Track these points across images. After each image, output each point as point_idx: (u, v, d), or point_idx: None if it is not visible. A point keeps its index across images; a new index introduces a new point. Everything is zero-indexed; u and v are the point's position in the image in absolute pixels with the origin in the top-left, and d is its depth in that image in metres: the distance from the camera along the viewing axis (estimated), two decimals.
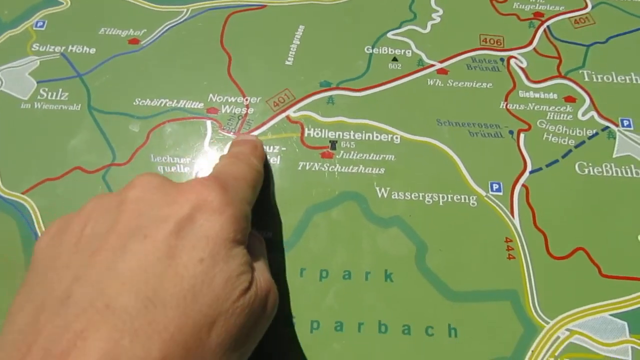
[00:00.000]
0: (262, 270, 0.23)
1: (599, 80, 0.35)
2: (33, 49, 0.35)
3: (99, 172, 0.32)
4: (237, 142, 0.30)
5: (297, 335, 0.28)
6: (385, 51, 0.36)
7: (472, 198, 0.31)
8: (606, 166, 0.32)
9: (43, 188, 0.31)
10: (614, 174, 0.32)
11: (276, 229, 0.30)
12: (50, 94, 0.34)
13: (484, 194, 0.31)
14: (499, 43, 0.36)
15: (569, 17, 0.37)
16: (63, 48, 0.36)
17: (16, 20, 0.37)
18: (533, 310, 0.28)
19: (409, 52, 0.36)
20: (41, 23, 0.36)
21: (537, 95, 0.34)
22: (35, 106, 0.33)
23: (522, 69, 0.35)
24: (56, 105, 0.34)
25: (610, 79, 0.35)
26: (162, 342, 0.18)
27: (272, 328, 0.28)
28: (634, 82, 0.35)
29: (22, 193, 0.31)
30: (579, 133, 0.33)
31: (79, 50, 0.35)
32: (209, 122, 0.33)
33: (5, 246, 0.30)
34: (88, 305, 0.18)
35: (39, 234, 0.30)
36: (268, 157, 0.32)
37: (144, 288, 0.18)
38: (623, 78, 0.35)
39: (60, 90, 0.34)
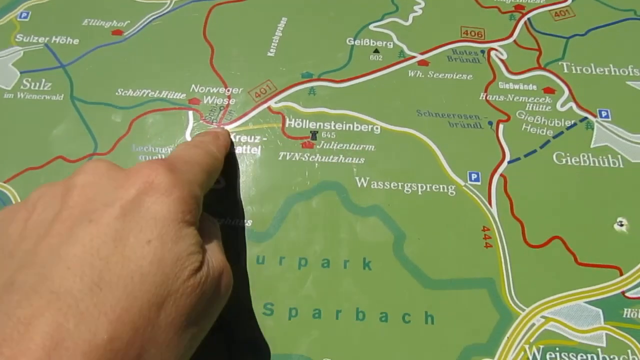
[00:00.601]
0: (214, 252, 0.23)
1: (578, 71, 0.35)
2: (17, 40, 0.36)
3: (80, 162, 0.32)
4: (201, 132, 0.31)
5: (275, 322, 0.28)
6: (366, 43, 0.36)
7: (451, 188, 0.32)
8: (584, 156, 0.33)
9: (25, 177, 0.31)
10: (592, 164, 0.32)
11: (256, 218, 0.31)
12: (33, 84, 0.34)
13: (462, 183, 0.32)
14: (479, 35, 0.37)
15: (550, 10, 0.37)
16: (47, 39, 0.36)
17: (0, 12, 0.37)
18: (509, 298, 0.29)
19: (390, 44, 0.36)
20: (25, 14, 0.37)
21: (516, 87, 0.35)
22: (19, 96, 0.34)
23: (502, 60, 0.36)
24: (39, 95, 0.34)
25: (589, 71, 0.35)
26: (109, 323, 0.18)
27: (250, 315, 0.28)
28: (613, 73, 0.35)
29: (4, 182, 0.31)
30: (558, 124, 0.33)
31: (62, 41, 0.36)
32: (190, 113, 0.33)
33: None
34: (31, 291, 0.18)
35: None
36: (249, 148, 0.32)
37: (89, 272, 0.18)
38: (602, 70, 0.35)
39: (44, 80, 0.34)
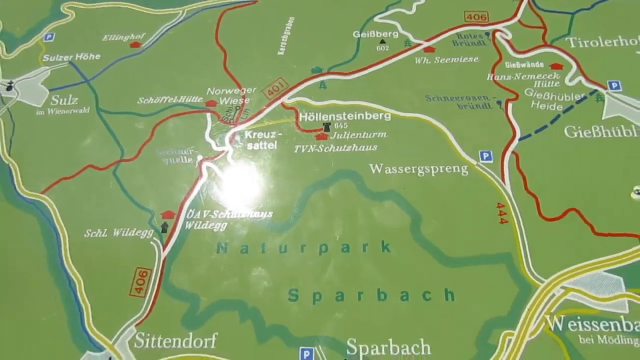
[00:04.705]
0: None
1: (586, 45, 0.35)
2: (44, 60, 0.38)
3: (109, 169, 0.34)
4: None
5: (301, 307, 0.29)
6: (372, 35, 0.37)
7: (464, 168, 0.32)
8: (595, 128, 0.33)
9: (59, 187, 0.33)
10: (604, 135, 0.33)
11: (276, 210, 0.32)
12: (61, 100, 0.36)
13: (474, 163, 0.32)
14: (483, 18, 0.37)
15: None
16: (71, 57, 0.38)
17: (27, 35, 0.39)
18: (527, 271, 0.29)
19: (395, 34, 0.37)
20: (50, 35, 0.39)
21: (523, 65, 0.35)
22: (49, 112, 0.36)
23: (507, 41, 0.36)
24: (67, 110, 0.36)
25: (597, 44, 0.35)
26: None
27: (277, 301, 0.29)
28: (622, 45, 0.35)
29: (41, 192, 0.33)
30: (567, 98, 0.34)
31: (85, 57, 0.38)
32: (208, 115, 0.35)
33: (28, 242, 0.32)
34: None
35: (59, 230, 0.32)
36: (266, 143, 0.34)
37: None
38: (610, 42, 0.35)
39: (71, 95, 0.36)
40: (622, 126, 0.33)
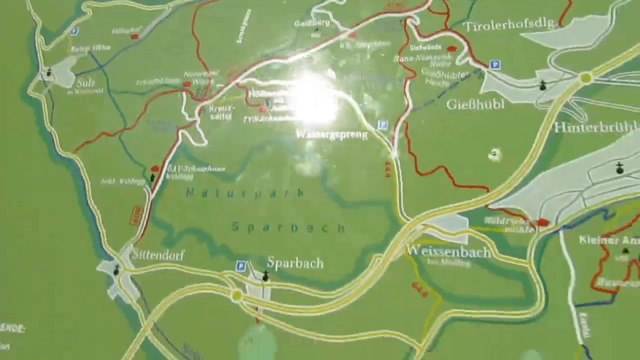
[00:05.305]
0: None
1: (479, 29, 0.43)
2: (71, 51, 0.51)
3: (116, 135, 0.47)
4: None
5: (239, 234, 0.42)
6: (309, 24, 0.46)
7: (364, 134, 0.43)
8: (472, 102, 0.41)
9: (84, 149, 0.48)
10: (478, 107, 0.41)
11: (228, 164, 0.44)
12: (83, 82, 0.50)
13: (373, 130, 0.42)
14: (399, 6, 0.45)
15: None
16: (89, 47, 0.51)
17: (59, 30, 0.52)
18: (399, 212, 0.40)
19: (327, 22, 0.46)
20: (74, 30, 0.52)
21: (424, 48, 0.44)
22: (75, 92, 0.49)
23: (415, 26, 0.44)
24: (88, 90, 0.49)
25: (489, 27, 0.43)
26: None
27: (224, 230, 0.42)
28: (509, 27, 0.43)
29: (72, 152, 0.48)
30: (454, 76, 0.42)
31: (99, 48, 0.50)
32: (184, 93, 0.47)
33: (64, 191, 0.47)
34: None
35: (84, 179, 0.46)
36: (223, 115, 0.46)
37: None
38: (500, 25, 0.43)
39: (90, 79, 0.50)
40: (494, 99, 0.41)
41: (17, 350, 0.44)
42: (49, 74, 0.51)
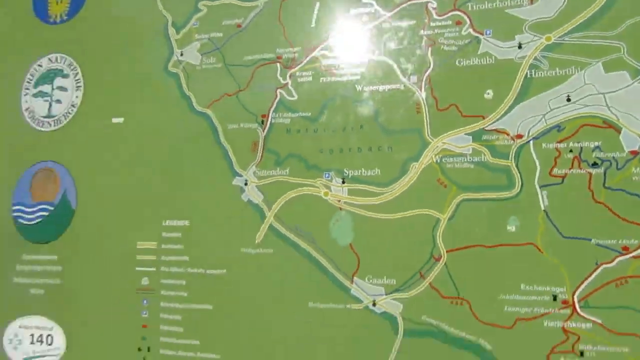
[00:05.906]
0: None
1: (477, 8, 0.63)
2: (195, 38, 0.74)
3: (234, 95, 0.71)
4: None
5: (324, 157, 0.66)
6: (360, 10, 0.68)
7: (401, 85, 0.65)
8: (472, 59, 0.62)
9: (214, 105, 0.71)
10: (477, 63, 0.62)
11: (313, 111, 0.67)
12: (207, 60, 0.73)
13: (407, 82, 0.64)
14: None
15: None
16: (208, 35, 0.73)
17: (184, 24, 0.75)
18: (427, 135, 0.63)
19: (372, 9, 0.67)
20: (195, 23, 0.74)
21: (440, 24, 0.64)
22: (202, 67, 0.73)
23: (433, 8, 0.65)
24: (211, 65, 0.73)
25: (484, 7, 0.63)
26: None
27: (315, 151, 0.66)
28: (498, 6, 0.63)
29: (206, 107, 0.72)
30: (461, 42, 0.63)
31: (215, 35, 0.73)
32: (278, 64, 0.70)
33: (204, 134, 0.71)
34: None
35: (217, 127, 0.71)
36: (305, 78, 0.68)
37: None
38: (491, 4, 0.63)
39: (212, 57, 0.73)
40: (487, 57, 0.62)
41: (185, 235, 0.70)
42: (181, 54, 0.74)
